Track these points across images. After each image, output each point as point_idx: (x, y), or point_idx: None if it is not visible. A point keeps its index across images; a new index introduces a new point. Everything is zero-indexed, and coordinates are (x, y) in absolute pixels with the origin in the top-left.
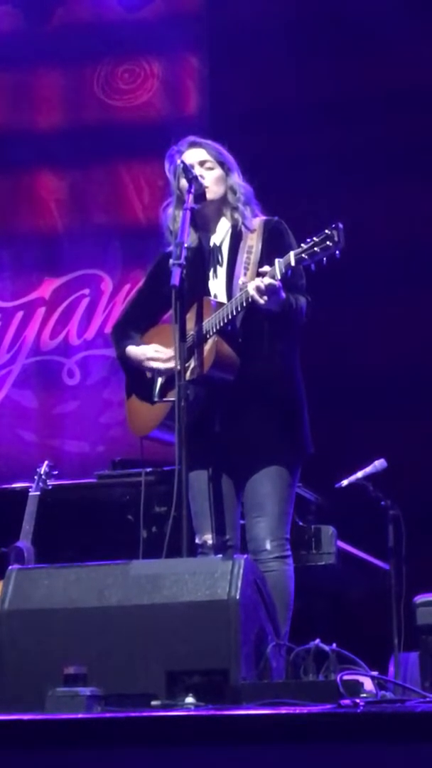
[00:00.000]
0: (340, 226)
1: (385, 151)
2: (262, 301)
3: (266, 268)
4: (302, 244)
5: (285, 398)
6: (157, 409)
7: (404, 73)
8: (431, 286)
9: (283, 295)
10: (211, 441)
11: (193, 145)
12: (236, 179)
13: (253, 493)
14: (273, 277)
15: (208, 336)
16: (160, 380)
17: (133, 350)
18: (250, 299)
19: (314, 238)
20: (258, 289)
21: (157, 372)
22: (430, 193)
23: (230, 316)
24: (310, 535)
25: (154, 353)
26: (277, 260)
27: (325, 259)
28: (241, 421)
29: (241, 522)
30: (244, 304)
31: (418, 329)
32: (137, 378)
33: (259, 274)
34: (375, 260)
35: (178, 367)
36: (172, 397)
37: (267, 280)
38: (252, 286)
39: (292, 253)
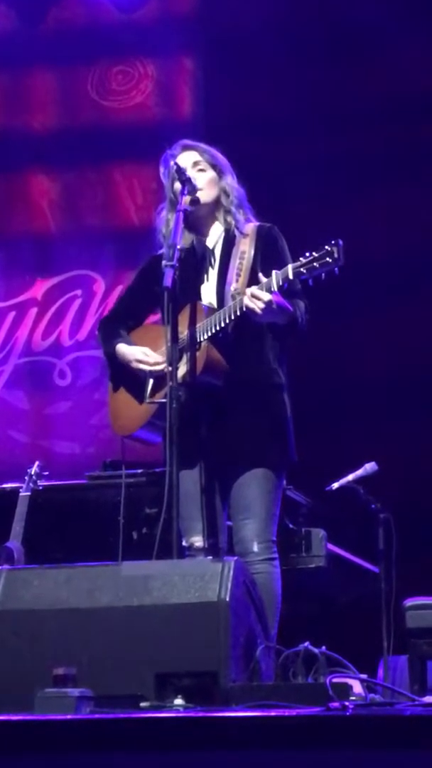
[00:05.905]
0: (341, 242)
1: (381, 156)
2: (259, 311)
3: (263, 279)
4: (301, 258)
5: (272, 404)
6: (141, 408)
7: (401, 80)
8: (424, 293)
9: (291, 307)
10: (197, 444)
11: (186, 147)
12: (229, 182)
13: (240, 495)
14: (269, 289)
15: (198, 341)
16: (151, 381)
17: (123, 349)
18: (243, 309)
19: (314, 254)
20: (253, 298)
21: (148, 373)
22: (426, 200)
23: (222, 324)
24: (301, 538)
25: (143, 356)
26: (274, 272)
27: (323, 274)
28: (227, 425)
29: (228, 524)
30: (238, 313)
31: (409, 334)
32: (127, 375)
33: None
34: (369, 267)
35: (170, 369)
36: (161, 398)
37: (263, 295)
38: (246, 298)
39: (290, 267)
